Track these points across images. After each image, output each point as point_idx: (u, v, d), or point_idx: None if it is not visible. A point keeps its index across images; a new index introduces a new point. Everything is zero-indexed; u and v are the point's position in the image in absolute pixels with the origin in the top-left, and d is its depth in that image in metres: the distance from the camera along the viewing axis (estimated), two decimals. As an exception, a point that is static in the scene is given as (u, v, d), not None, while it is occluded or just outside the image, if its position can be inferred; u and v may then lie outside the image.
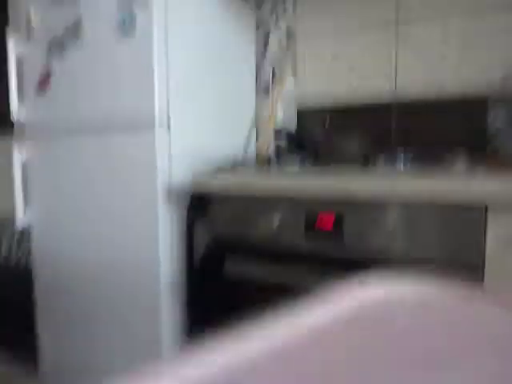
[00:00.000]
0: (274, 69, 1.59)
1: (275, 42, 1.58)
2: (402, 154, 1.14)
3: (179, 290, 1.17)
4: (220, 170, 1.19)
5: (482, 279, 0.71)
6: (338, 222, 0.85)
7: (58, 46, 1.26)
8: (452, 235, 0.74)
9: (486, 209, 0.70)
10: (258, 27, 1.61)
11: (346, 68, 1.43)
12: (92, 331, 1.26)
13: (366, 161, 0.96)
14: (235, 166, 1.23)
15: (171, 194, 1.13)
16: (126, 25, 1.11)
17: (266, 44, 1.60)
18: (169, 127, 1.13)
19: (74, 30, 1.22)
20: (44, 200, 1.37)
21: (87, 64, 1.20)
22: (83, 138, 1.23)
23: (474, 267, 0.72)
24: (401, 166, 0.97)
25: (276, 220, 0.93)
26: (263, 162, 1.22)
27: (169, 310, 1.14)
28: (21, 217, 1.39)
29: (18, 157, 1.37)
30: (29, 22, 1.34)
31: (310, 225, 0.89)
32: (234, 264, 1.01)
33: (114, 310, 1.20)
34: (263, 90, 1.62)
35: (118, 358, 1.21)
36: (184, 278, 1.17)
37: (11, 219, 1.43)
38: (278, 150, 1.57)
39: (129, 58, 1.12)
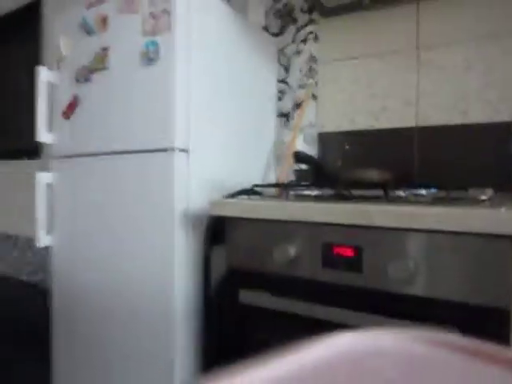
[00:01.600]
0: (295, 94, 1.60)
1: (296, 67, 1.60)
2: (425, 182, 1.11)
3: (194, 316, 1.15)
4: (240, 193, 1.19)
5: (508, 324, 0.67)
6: (357, 250, 0.83)
7: (85, 74, 1.31)
8: (476, 268, 0.70)
9: (513, 240, 0.67)
10: (279, 53, 1.64)
11: (367, 93, 1.43)
12: (106, 355, 1.25)
13: (387, 187, 0.93)
14: (254, 191, 1.23)
15: (188, 218, 1.13)
16: (150, 52, 1.14)
17: (287, 69, 1.62)
18: (188, 152, 1.14)
19: (101, 59, 1.26)
20: (65, 221, 1.39)
21: (111, 91, 1.24)
22: (104, 161, 1.26)
23: (502, 307, 0.68)
24: (423, 194, 0.94)
25: (293, 247, 0.91)
26: (282, 187, 1.21)
27: (183, 336, 1.12)
28: (42, 236, 1.42)
29: (42, 178, 1.41)
30: (59, 51, 1.40)
31: (328, 253, 0.86)
32: (250, 291, 0.99)
33: (128, 334, 1.19)
34: (284, 115, 1.63)
35: (131, 382, 1.19)
36: (200, 305, 1.16)
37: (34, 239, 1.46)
38: (297, 175, 1.57)
39: (151, 84, 1.15)
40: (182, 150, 1.13)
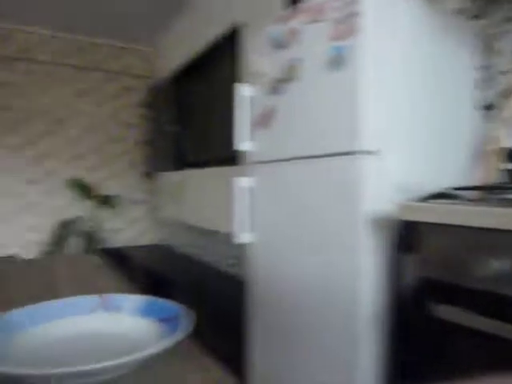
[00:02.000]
0: (500, 82, 1.38)
1: (502, 50, 1.38)
2: None
3: (380, 323, 1.11)
4: (434, 197, 1.10)
5: None
6: None
7: (278, 86, 1.42)
8: None
9: None
10: (478, 37, 1.44)
11: None
12: (294, 344, 1.33)
13: None
14: (449, 194, 1.11)
15: (375, 223, 1.10)
16: (338, 57, 1.16)
17: (488, 54, 1.42)
18: (376, 154, 1.11)
19: (292, 70, 1.35)
20: (263, 220, 1.54)
21: (302, 99, 1.31)
22: (298, 166, 1.34)
23: None
24: None
25: (499, 259, 0.79)
26: (486, 190, 1.06)
27: (367, 340, 1.10)
28: (240, 234, 1.60)
29: (240, 183, 1.60)
30: (255, 67, 1.56)
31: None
32: (447, 306, 0.90)
33: (314, 333, 1.24)
34: (485, 107, 1.42)
35: (316, 381, 1.23)
36: (386, 312, 1.11)
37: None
38: (505, 176, 1.35)
39: (340, 88, 1.16)
40: (370, 153, 1.10)
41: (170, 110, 3.36)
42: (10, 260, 1.05)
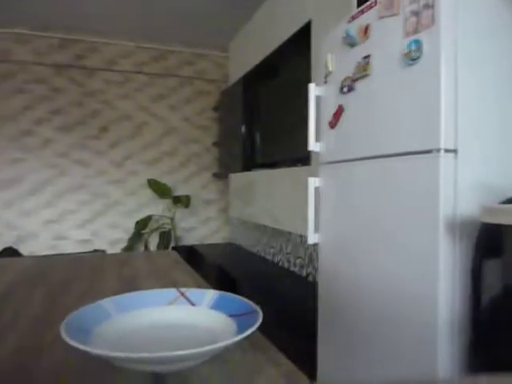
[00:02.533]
0: None
1: None
2: None
3: (460, 332, 1.04)
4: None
5: None
6: None
7: (348, 84, 1.40)
8: None
9: None
10: None
11: None
12: (366, 353, 1.29)
13: None
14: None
15: (455, 225, 1.03)
16: (412, 52, 1.11)
17: None
18: (455, 152, 1.05)
19: (363, 67, 1.32)
20: (330, 221, 1.52)
21: (374, 96, 1.28)
22: (367, 166, 1.30)
23: None
24: None
25: None
26: None
27: (446, 349, 1.03)
28: (311, 235, 1.59)
29: (312, 183, 1.59)
30: (327, 67, 1.54)
31: None
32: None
33: (388, 336, 1.20)
34: None
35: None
36: (467, 321, 1.04)
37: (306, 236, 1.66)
38: None
39: (414, 84, 1.11)
40: (449, 151, 1.04)
41: (240, 112, 3.44)
42: (98, 255, 1.15)
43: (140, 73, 4.01)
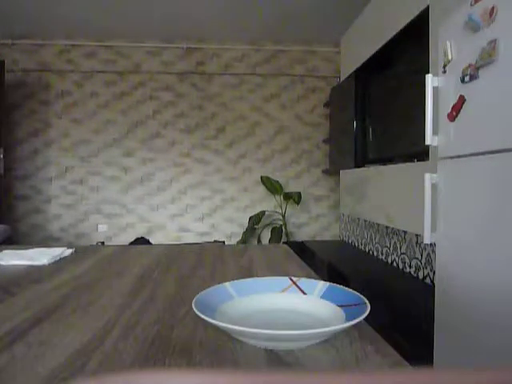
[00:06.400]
0: None
1: None
2: None
3: None
4: None
5: None
6: None
7: (471, 72, 1.30)
8: None
9: None
10: None
11: None
12: (484, 357, 1.19)
13: None
14: None
15: None
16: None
17: None
18: None
19: (488, 53, 1.21)
20: (449, 220, 1.43)
21: (501, 83, 1.17)
22: (492, 160, 1.20)
23: None
24: None
25: None
26: None
27: None
28: (428, 234, 1.51)
29: (429, 179, 1.51)
30: (446, 55, 1.45)
31: None
32: None
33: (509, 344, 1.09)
34: None
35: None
36: None
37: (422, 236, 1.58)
38: None
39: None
40: None
41: (352, 107, 3.38)
42: (218, 245, 1.27)
43: (253, 74, 4.20)
